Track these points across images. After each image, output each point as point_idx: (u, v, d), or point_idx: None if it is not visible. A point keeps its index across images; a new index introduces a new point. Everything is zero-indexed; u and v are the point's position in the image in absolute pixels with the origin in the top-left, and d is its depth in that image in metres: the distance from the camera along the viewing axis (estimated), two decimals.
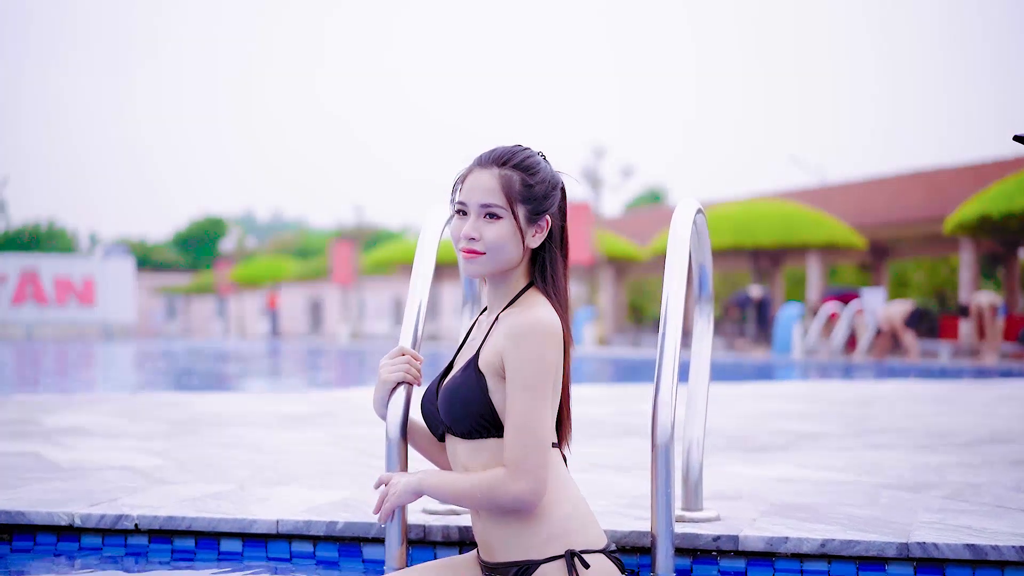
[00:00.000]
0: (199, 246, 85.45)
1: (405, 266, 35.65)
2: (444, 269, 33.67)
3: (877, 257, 33.87)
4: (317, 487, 4.35)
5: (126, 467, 4.89)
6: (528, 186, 2.76)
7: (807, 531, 3.42)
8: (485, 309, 2.93)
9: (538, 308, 2.72)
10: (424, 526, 3.56)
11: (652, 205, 66.26)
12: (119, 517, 3.67)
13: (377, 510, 2.83)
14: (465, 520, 3.59)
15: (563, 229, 2.87)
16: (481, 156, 2.81)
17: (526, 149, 2.82)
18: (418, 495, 2.79)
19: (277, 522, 3.61)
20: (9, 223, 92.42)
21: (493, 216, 2.75)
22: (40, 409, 7.80)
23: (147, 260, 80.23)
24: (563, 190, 2.87)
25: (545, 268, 2.83)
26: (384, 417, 2.97)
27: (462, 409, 2.74)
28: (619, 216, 47.70)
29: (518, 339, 2.66)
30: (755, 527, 3.49)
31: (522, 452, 2.64)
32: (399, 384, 2.95)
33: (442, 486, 2.75)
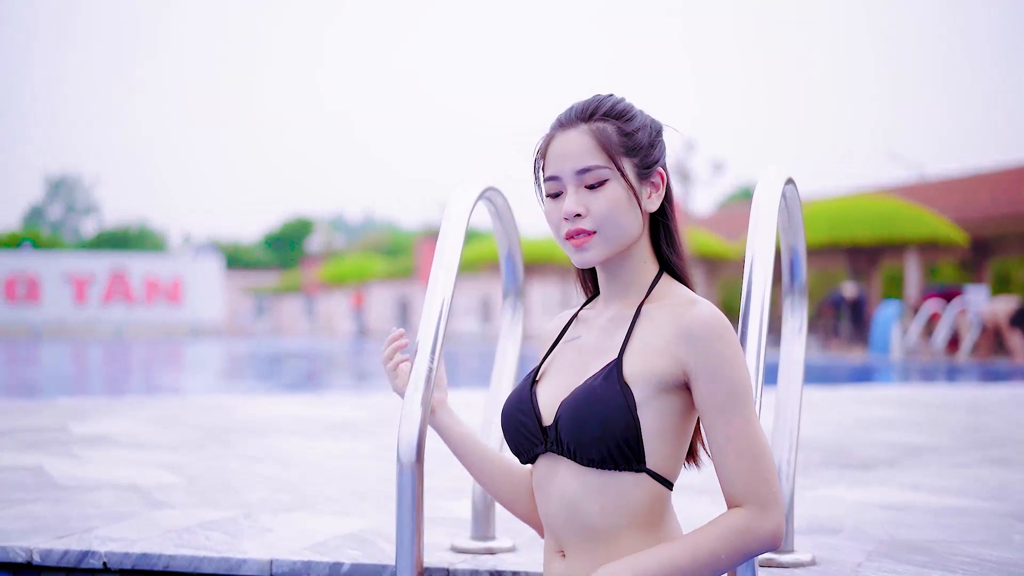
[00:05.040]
0: (289, 246, 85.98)
1: (493, 265, 35.17)
2: (533, 267, 33.11)
3: (979, 254, 32.58)
4: (334, 514, 3.71)
5: (130, 486, 4.29)
6: (627, 134, 2.10)
7: None
8: (591, 297, 2.27)
9: (700, 299, 2.06)
10: (448, 569, 2.91)
11: (745, 201, 65.11)
12: (84, 554, 3.05)
13: None
14: (503, 562, 2.93)
15: (669, 188, 2.20)
16: (559, 118, 2.16)
17: (610, 95, 2.16)
18: None
19: (271, 562, 2.98)
20: (103, 224, 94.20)
21: (598, 182, 2.08)
22: (73, 414, 7.26)
23: (238, 260, 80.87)
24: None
25: (673, 239, 2.19)
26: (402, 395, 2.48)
27: (599, 429, 2.01)
28: (711, 213, 46.92)
29: (711, 339, 1.99)
30: (861, 575, 2.78)
31: (765, 480, 1.95)
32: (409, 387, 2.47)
33: (669, 562, 1.95)
